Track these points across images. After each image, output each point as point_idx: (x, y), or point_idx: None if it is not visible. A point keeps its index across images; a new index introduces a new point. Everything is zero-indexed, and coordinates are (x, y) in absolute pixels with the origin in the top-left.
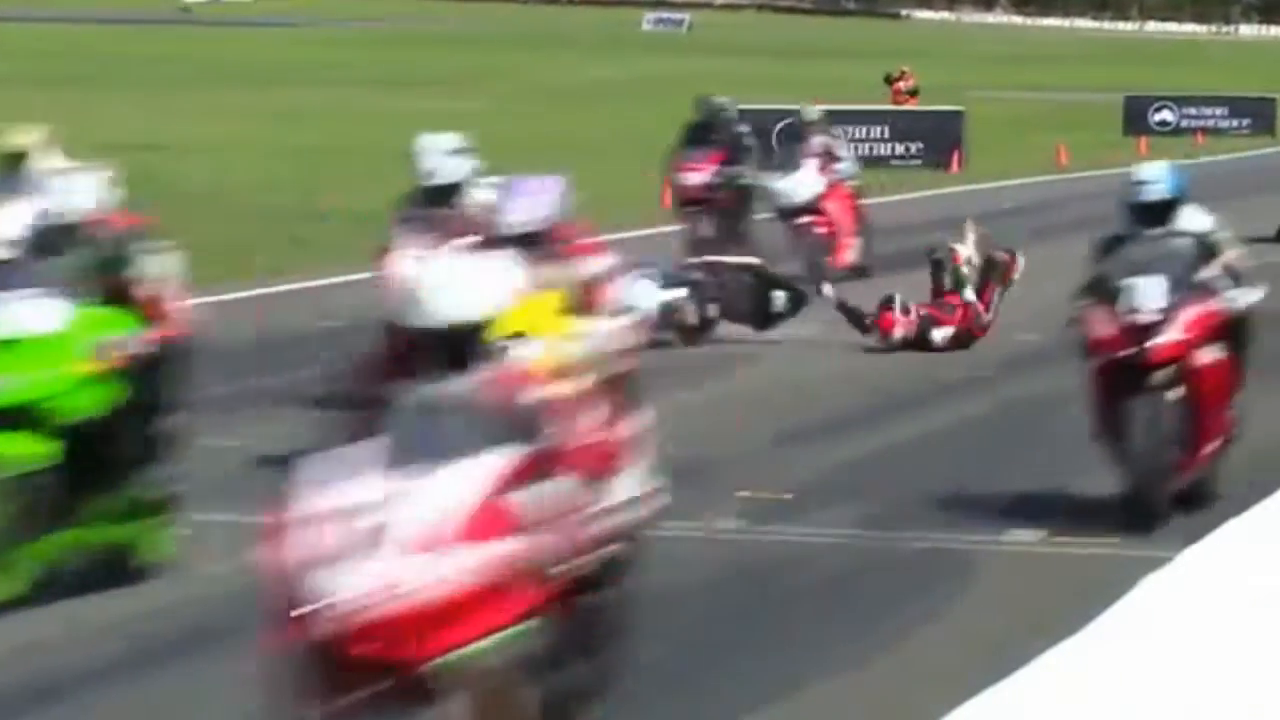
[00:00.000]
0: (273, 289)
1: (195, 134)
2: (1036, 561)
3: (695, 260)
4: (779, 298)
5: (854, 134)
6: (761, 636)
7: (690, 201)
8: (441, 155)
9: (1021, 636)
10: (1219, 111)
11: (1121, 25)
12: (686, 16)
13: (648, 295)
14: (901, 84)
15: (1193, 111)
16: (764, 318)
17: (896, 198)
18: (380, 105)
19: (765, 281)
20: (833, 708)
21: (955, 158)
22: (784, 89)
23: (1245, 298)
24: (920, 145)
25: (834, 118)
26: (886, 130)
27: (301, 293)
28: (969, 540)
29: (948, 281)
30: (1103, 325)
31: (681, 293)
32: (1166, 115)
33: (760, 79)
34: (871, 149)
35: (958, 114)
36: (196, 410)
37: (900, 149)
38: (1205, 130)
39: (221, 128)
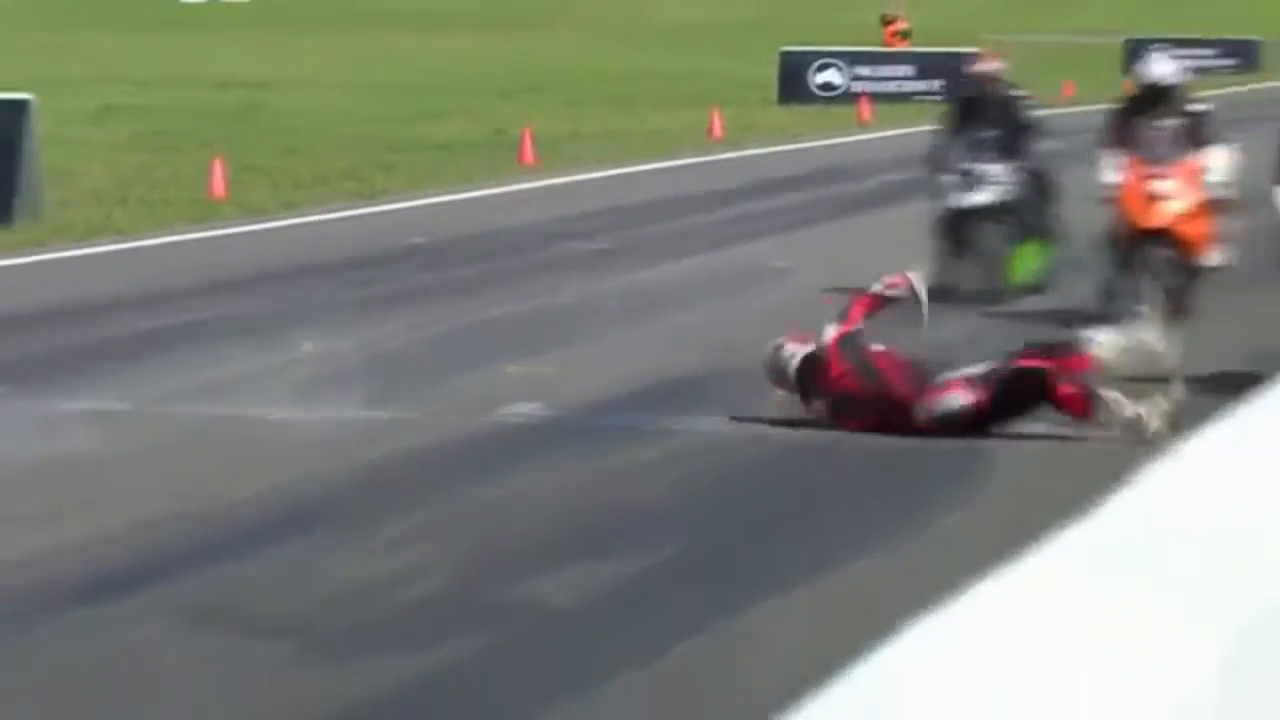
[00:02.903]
0: (365, 210)
1: (294, 73)
2: (1046, 454)
3: None
4: None
5: (884, 73)
6: (789, 523)
7: None
8: None
9: (1040, 518)
10: (1209, 52)
11: None
12: None
13: None
14: (894, 26)
15: (1186, 52)
16: None
17: (921, 129)
18: (460, 46)
19: None
20: (861, 585)
21: None
22: (811, 34)
23: None
24: (941, 82)
25: (866, 59)
26: (911, 69)
27: (392, 213)
28: (993, 433)
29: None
30: None
31: None
32: None
33: (787, 24)
34: (899, 86)
35: (975, 55)
36: (304, 318)
37: (924, 86)
38: (1198, 69)
39: (316, 67)
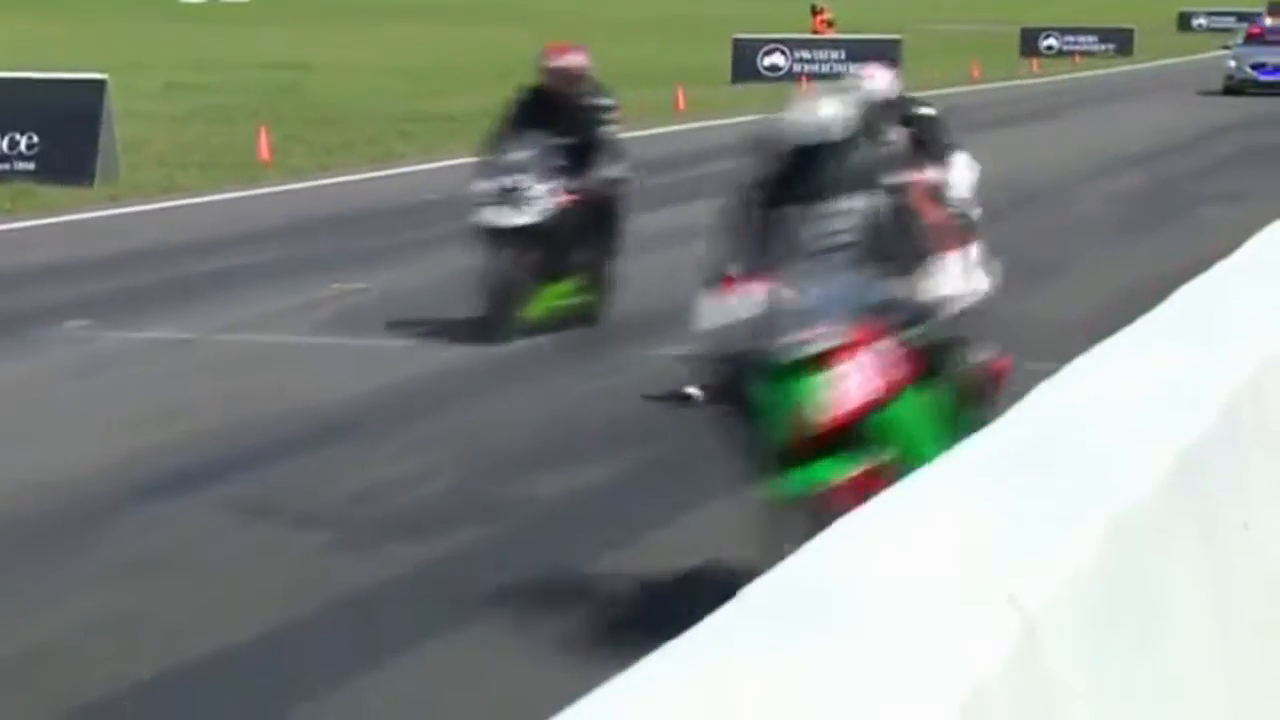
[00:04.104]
0: (386, 171)
1: (324, 58)
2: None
3: None
4: None
5: (818, 56)
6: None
7: None
8: None
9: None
10: (1092, 39)
11: None
12: None
13: None
14: (822, 16)
15: (1072, 39)
16: None
17: None
18: (463, 34)
19: None
20: None
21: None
22: (752, 24)
23: None
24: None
25: (805, 45)
26: (843, 53)
27: (409, 174)
28: None
29: None
30: None
31: None
32: (1052, 41)
33: (731, 17)
34: (831, 68)
35: (897, 41)
36: (330, 261)
37: (853, 68)
38: (1081, 53)
39: (342, 53)
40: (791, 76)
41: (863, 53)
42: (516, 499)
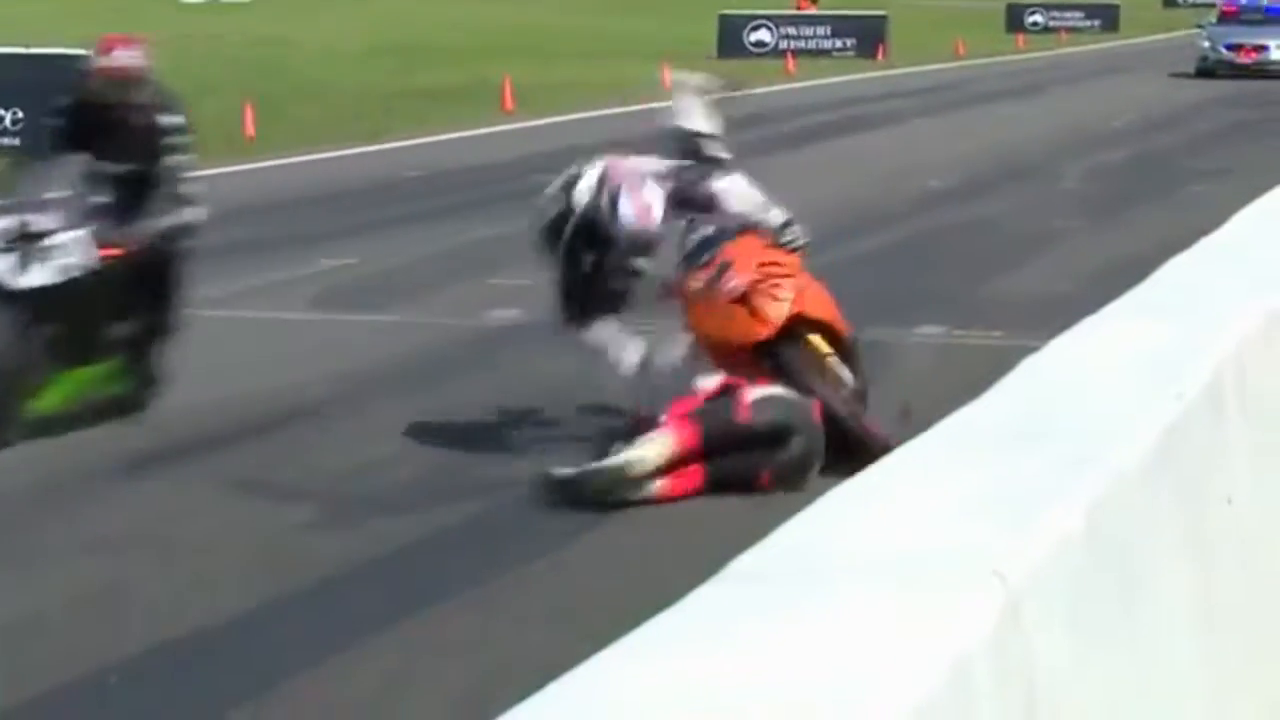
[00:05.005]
0: (371, 148)
1: (311, 34)
2: (941, 350)
3: None
4: None
5: (804, 32)
6: None
7: None
8: None
9: (931, 405)
10: (1077, 15)
11: None
12: None
13: None
14: None
15: (1057, 14)
16: None
17: (837, 79)
18: (451, 10)
19: None
20: None
21: (880, 50)
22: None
23: None
24: (854, 40)
25: (791, 21)
26: (829, 29)
27: (393, 150)
28: (889, 333)
29: None
30: None
31: None
32: (1038, 18)
33: None
34: (817, 44)
35: (883, 17)
36: (316, 238)
37: (839, 43)
38: (1067, 29)
39: (329, 29)
40: (778, 52)
41: (849, 29)
42: (498, 479)
